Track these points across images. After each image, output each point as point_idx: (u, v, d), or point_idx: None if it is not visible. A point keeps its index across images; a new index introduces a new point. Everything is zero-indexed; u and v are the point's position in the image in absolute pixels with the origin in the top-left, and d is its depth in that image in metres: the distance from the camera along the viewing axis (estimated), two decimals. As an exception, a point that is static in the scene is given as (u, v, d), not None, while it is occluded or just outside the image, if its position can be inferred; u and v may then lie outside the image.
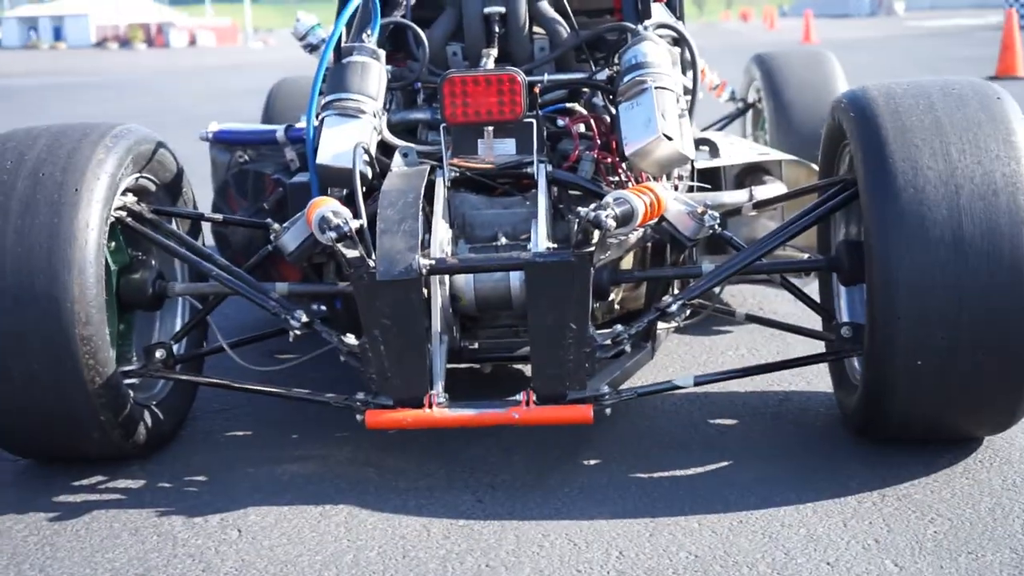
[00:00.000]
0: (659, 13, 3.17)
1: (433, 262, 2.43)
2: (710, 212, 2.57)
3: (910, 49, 20.70)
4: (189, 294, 2.86)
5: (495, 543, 2.20)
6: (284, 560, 2.17)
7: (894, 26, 33.40)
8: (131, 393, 2.59)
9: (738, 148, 3.61)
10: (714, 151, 3.40)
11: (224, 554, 2.21)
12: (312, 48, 3.41)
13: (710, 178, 3.25)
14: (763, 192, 3.10)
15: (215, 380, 2.79)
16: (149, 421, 2.66)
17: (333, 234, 2.39)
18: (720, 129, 4.99)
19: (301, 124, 3.20)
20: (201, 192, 3.18)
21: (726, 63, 9.24)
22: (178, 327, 2.98)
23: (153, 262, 2.88)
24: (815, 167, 3.20)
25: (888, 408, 2.40)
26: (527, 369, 3.10)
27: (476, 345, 2.82)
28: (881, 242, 2.27)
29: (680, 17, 3.49)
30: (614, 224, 2.35)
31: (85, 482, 2.58)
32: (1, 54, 47.00)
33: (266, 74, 17.51)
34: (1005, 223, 2.22)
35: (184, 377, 2.76)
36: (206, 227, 3.10)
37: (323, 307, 2.75)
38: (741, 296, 3.95)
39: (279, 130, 3.25)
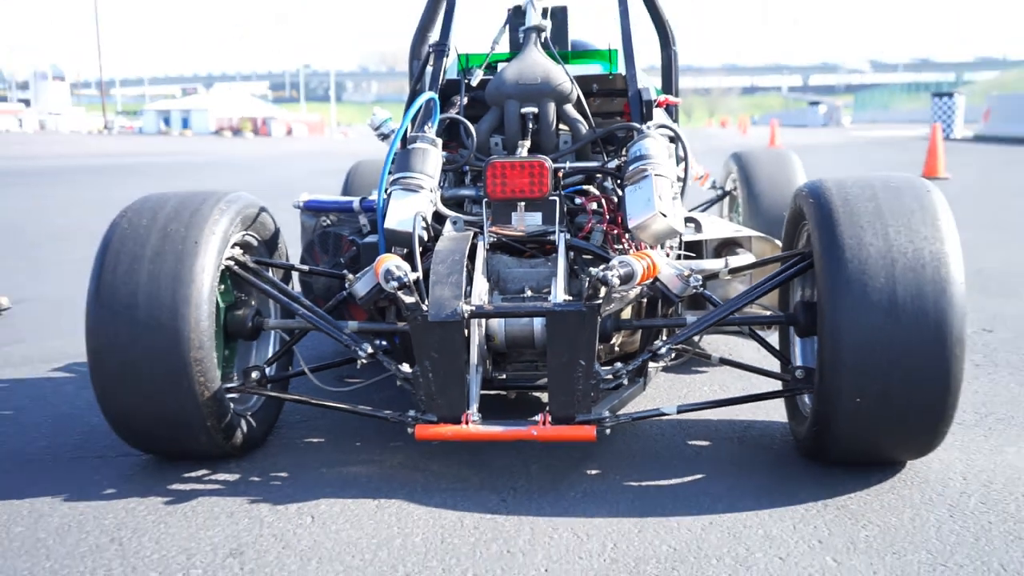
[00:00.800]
0: (659, 116, 3.19)
1: (473, 308, 2.43)
2: (694, 275, 2.56)
3: (855, 153, 20.63)
4: (280, 328, 2.87)
5: (514, 534, 2.18)
6: (347, 541, 2.16)
7: (842, 135, 33.32)
8: (232, 405, 2.59)
9: (717, 226, 3.61)
10: (698, 228, 3.39)
11: (300, 535, 2.20)
12: (384, 137, 3.44)
13: (694, 249, 3.25)
14: (736, 261, 3.09)
15: (298, 397, 2.78)
16: (245, 428, 2.66)
17: (395, 283, 2.39)
18: (703, 211, 4.99)
19: (373, 197, 3.22)
20: (292, 248, 3.20)
21: (708, 159, 9.22)
22: (270, 354, 2.99)
23: (253, 302, 2.90)
24: (778, 242, 3.18)
25: (832, 436, 2.37)
26: (543, 396, 3.09)
27: (504, 376, 2.81)
28: (831, 303, 2.26)
29: (675, 120, 3.51)
30: (618, 282, 2.35)
31: (193, 475, 2.58)
32: (142, 138, 47.60)
33: (345, 159, 17.63)
34: (930, 291, 2.20)
35: (274, 394, 2.76)
36: (295, 275, 3.11)
37: (384, 342, 2.74)
38: (715, 344, 3.92)
39: (355, 201, 3.28)
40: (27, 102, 62.96)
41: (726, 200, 5.16)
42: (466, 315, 2.39)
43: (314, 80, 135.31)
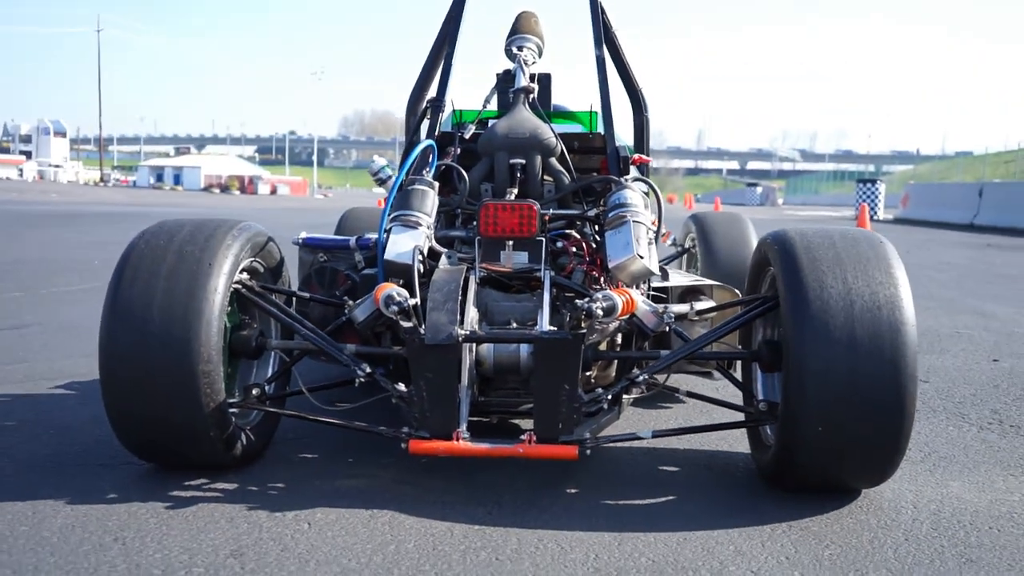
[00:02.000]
0: (633, 172, 3.21)
1: (467, 332, 2.40)
2: (668, 312, 2.56)
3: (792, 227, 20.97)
4: (281, 349, 2.81)
5: (502, 543, 2.13)
6: (343, 546, 2.09)
7: (777, 213, 33.88)
8: (233, 419, 2.52)
9: (680, 276, 3.62)
10: (664, 276, 3.40)
11: (298, 540, 2.13)
12: (381, 182, 3.43)
13: (660, 295, 3.24)
14: (700, 305, 3.09)
15: (297, 413, 2.72)
16: (244, 440, 2.59)
17: (396, 308, 2.36)
18: (665, 266, 4.99)
19: (368, 235, 3.20)
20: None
21: (665, 222, 9.30)
22: (270, 373, 2.92)
23: (255, 324, 2.84)
24: (736, 291, 3.19)
25: (794, 463, 2.36)
26: (523, 423, 3.05)
27: (488, 400, 2.76)
28: (796, 339, 2.26)
29: (647, 176, 3.53)
30: (602, 314, 2.34)
31: (194, 483, 2.50)
32: (136, 191, 47.21)
33: (327, 214, 17.53)
34: (886, 330, 2.22)
35: (274, 410, 2.69)
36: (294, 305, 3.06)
37: (380, 369, 2.69)
38: (678, 384, 3.88)
39: (351, 239, 3.24)
40: (29, 154, 62.28)
41: (685, 257, 5.19)
42: (460, 339, 2.36)
43: (298, 145, 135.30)
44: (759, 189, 60.14)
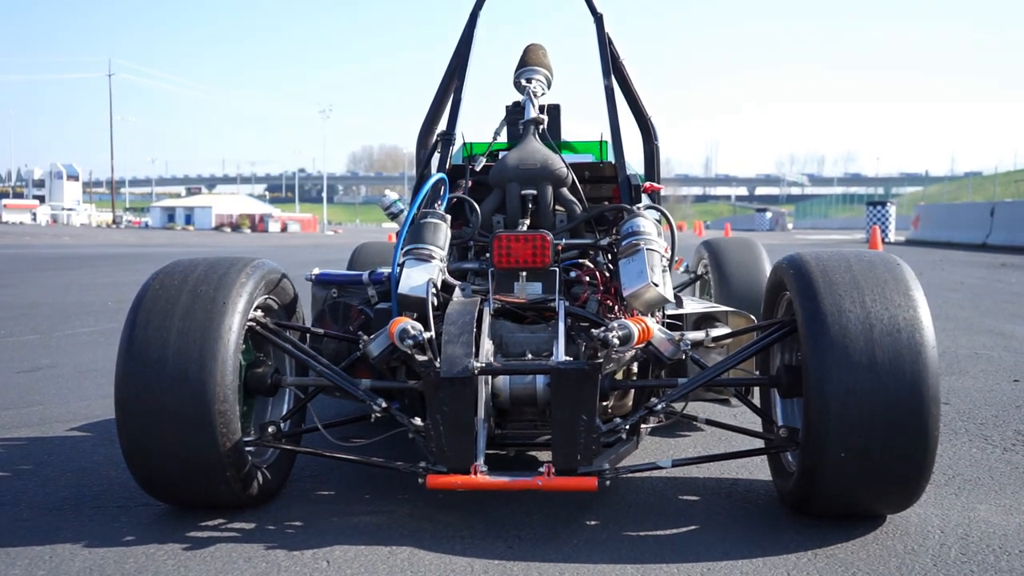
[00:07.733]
0: (644, 200, 3.21)
1: (483, 365, 2.39)
2: (685, 339, 2.55)
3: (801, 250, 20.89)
4: (296, 386, 2.81)
5: (523, 578, 2.10)
6: (363, 584, 2.07)
7: (787, 237, 33.84)
8: (249, 457, 2.51)
9: (695, 303, 3.61)
10: (679, 303, 3.38)
11: (317, 578, 2.11)
12: (393, 216, 3.44)
13: (675, 322, 3.23)
14: (716, 332, 3.08)
15: (311, 449, 2.70)
16: (261, 479, 2.57)
17: (411, 342, 2.36)
18: (678, 293, 4.96)
19: (380, 270, 3.20)
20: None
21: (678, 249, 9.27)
22: (285, 410, 2.91)
23: (270, 361, 2.83)
24: (752, 317, 3.18)
25: (817, 489, 2.32)
26: (540, 455, 3.02)
27: (504, 432, 2.74)
28: (816, 364, 2.24)
29: (659, 203, 3.53)
30: (618, 343, 2.32)
31: (210, 523, 2.48)
32: (148, 232, 47.55)
33: (337, 251, 17.58)
34: (906, 353, 2.19)
35: (288, 447, 2.67)
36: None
37: (396, 403, 2.67)
38: (694, 411, 3.84)
39: (364, 274, 3.24)
40: (42, 199, 62.97)
41: (698, 284, 5.16)
42: (476, 371, 2.34)
43: (308, 183, 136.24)
44: (768, 214, 60.16)
